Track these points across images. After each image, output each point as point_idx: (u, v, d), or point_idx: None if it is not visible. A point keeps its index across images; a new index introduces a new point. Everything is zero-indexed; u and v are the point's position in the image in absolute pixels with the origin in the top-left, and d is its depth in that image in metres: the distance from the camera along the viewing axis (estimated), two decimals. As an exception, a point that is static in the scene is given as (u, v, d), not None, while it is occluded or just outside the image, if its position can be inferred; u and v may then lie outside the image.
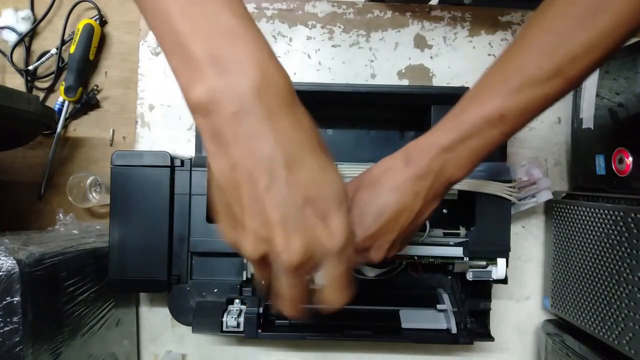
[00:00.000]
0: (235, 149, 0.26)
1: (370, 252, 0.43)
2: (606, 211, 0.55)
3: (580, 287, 0.59)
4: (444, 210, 0.64)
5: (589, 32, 0.35)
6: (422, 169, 0.40)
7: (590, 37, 0.35)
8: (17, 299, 0.42)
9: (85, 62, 0.68)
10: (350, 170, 0.60)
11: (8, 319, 0.42)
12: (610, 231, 0.54)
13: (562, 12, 0.37)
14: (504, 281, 0.58)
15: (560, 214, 0.64)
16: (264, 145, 0.25)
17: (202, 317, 0.57)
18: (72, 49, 0.67)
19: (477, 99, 0.39)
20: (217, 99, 0.25)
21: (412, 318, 0.59)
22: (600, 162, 0.60)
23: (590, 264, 0.57)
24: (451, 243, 0.58)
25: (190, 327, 0.57)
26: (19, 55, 0.70)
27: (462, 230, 0.61)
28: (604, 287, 0.55)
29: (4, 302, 0.42)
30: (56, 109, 0.68)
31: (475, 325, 0.58)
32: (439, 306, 0.60)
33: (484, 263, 0.58)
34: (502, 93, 0.37)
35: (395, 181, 0.41)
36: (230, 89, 0.25)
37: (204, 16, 0.25)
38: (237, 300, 0.59)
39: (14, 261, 0.42)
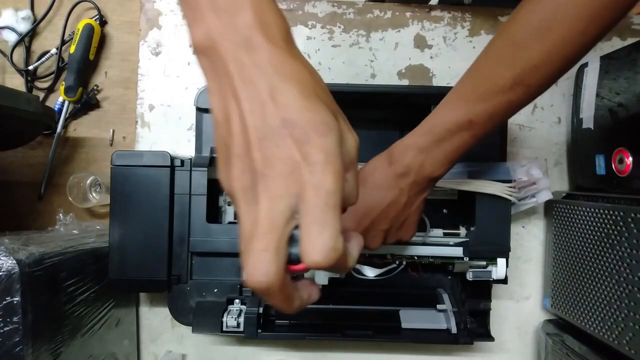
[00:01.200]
0: (234, 83, 0.26)
1: (366, 242, 0.46)
2: (606, 211, 0.55)
3: (580, 287, 0.59)
4: (444, 210, 0.65)
5: (545, 44, 0.37)
6: (403, 168, 0.45)
7: (546, 48, 0.37)
8: (17, 299, 0.42)
9: (85, 62, 0.68)
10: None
11: (8, 319, 0.42)
12: (610, 231, 0.54)
13: (522, 24, 0.39)
14: (504, 281, 0.58)
15: (560, 214, 0.64)
16: (260, 77, 0.25)
17: (202, 317, 0.57)
18: (72, 49, 0.67)
19: (450, 105, 0.43)
20: (215, 39, 0.26)
21: (412, 318, 0.59)
22: (600, 162, 0.60)
23: (590, 264, 0.57)
24: (451, 243, 0.58)
25: (190, 327, 0.57)
26: (19, 55, 0.70)
27: (462, 230, 0.61)
28: (604, 287, 0.55)
29: (4, 302, 0.42)
30: (56, 109, 0.68)
31: (475, 325, 0.58)
32: (439, 306, 0.60)
33: (484, 263, 0.58)
34: (471, 100, 0.41)
35: (381, 179, 0.46)
36: (227, 29, 0.26)
37: None
38: (237, 300, 0.59)
39: (14, 261, 0.42)
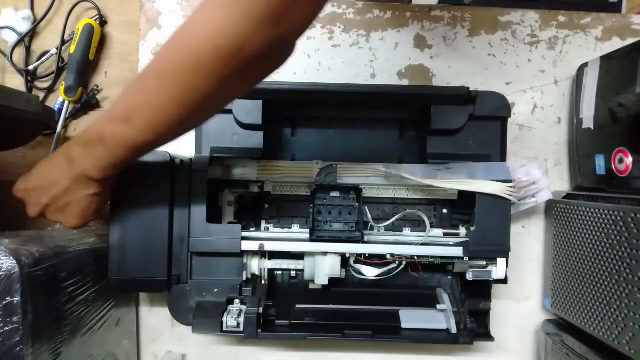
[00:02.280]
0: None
1: (27, 206, 0.51)
2: (606, 211, 0.55)
3: (580, 287, 0.59)
4: (444, 210, 0.65)
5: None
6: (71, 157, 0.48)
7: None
8: (17, 299, 0.42)
9: (85, 62, 0.68)
10: (350, 170, 0.61)
11: (8, 319, 0.42)
12: (610, 231, 0.54)
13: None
14: (504, 281, 0.58)
15: (560, 214, 0.64)
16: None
17: (202, 317, 0.57)
18: (72, 49, 0.67)
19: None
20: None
21: (412, 318, 0.59)
22: (600, 162, 0.60)
23: (590, 264, 0.57)
24: (451, 243, 0.58)
25: (190, 327, 0.57)
26: (19, 55, 0.70)
27: (462, 230, 0.61)
28: (604, 287, 0.55)
29: (4, 302, 0.42)
30: (56, 109, 0.68)
31: (475, 325, 0.58)
32: (438, 306, 0.60)
33: (484, 263, 0.58)
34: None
35: (59, 160, 0.49)
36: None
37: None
38: (237, 300, 0.59)
39: (14, 261, 0.42)
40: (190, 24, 0.36)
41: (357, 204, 0.60)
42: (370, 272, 0.59)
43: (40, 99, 0.68)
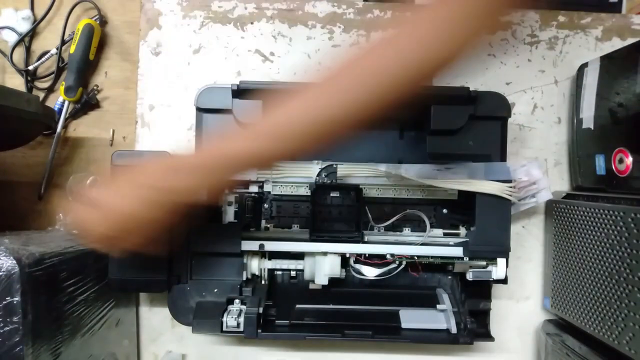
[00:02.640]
0: None
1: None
2: (606, 211, 0.54)
3: (580, 287, 0.59)
4: (444, 210, 0.65)
5: None
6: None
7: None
8: (17, 299, 0.42)
9: (85, 62, 0.68)
10: (350, 170, 0.61)
11: (8, 319, 0.42)
12: (610, 231, 0.54)
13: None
14: (504, 281, 0.58)
15: (560, 214, 0.64)
16: None
17: (202, 317, 0.57)
18: (72, 49, 0.67)
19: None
20: None
21: (412, 318, 0.59)
22: (600, 162, 0.60)
23: (590, 264, 0.57)
24: (451, 243, 0.58)
25: (190, 327, 0.57)
26: (19, 55, 0.70)
27: (462, 230, 0.61)
28: (604, 287, 0.55)
29: (4, 302, 0.42)
30: (56, 109, 0.68)
31: (475, 325, 0.58)
32: (438, 306, 0.60)
33: (484, 263, 0.58)
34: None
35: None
36: None
37: None
38: (237, 300, 0.59)
39: (14, 261, 0.42)
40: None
41: (357, 204, 0.60)
42: (370, 272, 0.59)
43: (40, 99, 0.68)
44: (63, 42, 0.69)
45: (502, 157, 0.60)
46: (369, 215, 0.62)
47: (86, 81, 0.70)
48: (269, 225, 0.63)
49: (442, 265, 0.61)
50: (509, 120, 0.60)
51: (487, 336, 0.61)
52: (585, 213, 0.59)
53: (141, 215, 0.40)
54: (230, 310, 0.57)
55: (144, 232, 0.42)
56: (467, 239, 0.57)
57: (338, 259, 0.58)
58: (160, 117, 0.69)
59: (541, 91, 0.70)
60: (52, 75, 0.70)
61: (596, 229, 0.56)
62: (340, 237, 0.58)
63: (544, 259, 0.69)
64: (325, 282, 0.59)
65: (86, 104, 0.69)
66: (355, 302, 0.62)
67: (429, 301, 0.61)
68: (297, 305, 0.61)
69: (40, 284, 0.46)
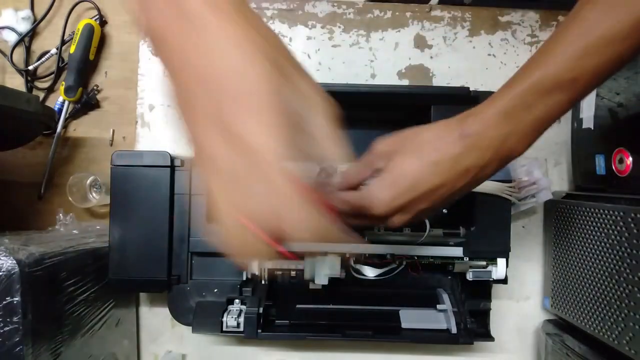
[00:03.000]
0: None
1: (394, 217, 0.39)
2: (606, 211, 0.54)
3: (580, 287, 0.59)
4: (444, 210, 0.64)
5: None
6: (480, 145, 0.36)
7: None
8: (17, 299, 0.42)
9: (85, 62, 0.68)
10: (350, 170, 0.60)
11: (8, 319, 0.42)
12: (610, 231, 0.54)
13: None
14: (504, 281, 0.58)
15: (560, 214, 0.64)
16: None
17: (202, 317, 0.57)
18: (72, 49, 0.67)
19: (543, 60, 0.35)
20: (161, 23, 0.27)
21: (412, 318, 0.59)
22: (600, 162, 0.60)
23: (590, 264, 0.57)
24: (451, 243, 0.58)
25: (190, 327, 0.57)
26: (19, 55, 0.70)
27: (462, 230, 0.61)
28: (604, 287, 0.55)
29: (4, 302, 0.42)
30: (56, 109, 0.68)
31: (475, 325, 0.58)
32: (439, 306, 0.60)
33: (484, 263, 0.58)
34: (575, 54, 0.34)
35: (444, 154, 0.37)
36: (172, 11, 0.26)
37: None
38: (237, 300, 0.59)
39: (14, 261, 0.42)
40: None
41: (357, 204, 0.60)
42: (370, 272, 0.59)
43: (40, 99, 0.67)
44: (63, 42, 0.69)
45: (502, 157, 0.60)
46: (369, 215, 0.62)
47: (86, 81, 0.70)
48: (269, 225, 0.63)
49: (442, 265, 0.61)
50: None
51: (487, 336, 0.61)
52: (585, 213, 0.59)
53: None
54: (230, 310, 0.57)
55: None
56: (467, 239, 0.57)
57: (338, 259, 0.58)
58: (160, 117, 0.69)
59: (541, 91, 0.70)
60: (52, 75, 0.70)
61: (596, 229, 0.56)
62: (340, 237, 0.58)
63: (544, 259, 0.69)
64: (325, 282, 0.59)
65: (86, 104, 0.69)
66: (355, 302, 0.62)
67: (429, 301, 0.61)
68: (297, 305, 0.61)
69: (40, 284, 0.46)
